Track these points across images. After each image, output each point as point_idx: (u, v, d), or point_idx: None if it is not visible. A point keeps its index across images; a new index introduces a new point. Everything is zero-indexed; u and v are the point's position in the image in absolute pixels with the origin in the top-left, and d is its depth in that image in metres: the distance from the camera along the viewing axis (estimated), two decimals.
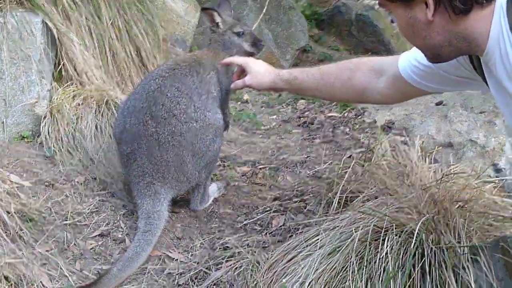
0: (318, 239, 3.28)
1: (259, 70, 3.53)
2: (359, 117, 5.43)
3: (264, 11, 5.87)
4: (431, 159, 4.02)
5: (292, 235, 3.61)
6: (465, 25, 2.38)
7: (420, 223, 3.01)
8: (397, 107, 5.35)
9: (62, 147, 4.03)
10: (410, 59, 2.99)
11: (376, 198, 3.50)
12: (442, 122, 5.00)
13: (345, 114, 5.52)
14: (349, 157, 4.65)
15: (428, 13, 2.37)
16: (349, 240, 3.11)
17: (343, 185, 3.72)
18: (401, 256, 2.99)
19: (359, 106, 5.55)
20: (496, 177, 4.37)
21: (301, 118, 5.57)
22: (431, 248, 2.97)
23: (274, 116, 5.56)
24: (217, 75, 3.83)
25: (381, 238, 3.08)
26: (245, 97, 3.88)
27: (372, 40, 9.83)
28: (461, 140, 4.79)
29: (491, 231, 3.25)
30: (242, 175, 4.41)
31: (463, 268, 2.89)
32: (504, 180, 4.06)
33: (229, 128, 4.10)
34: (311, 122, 5.44)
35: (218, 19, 3.91)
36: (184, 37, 5.60)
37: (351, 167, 3.88)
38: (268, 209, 3.96)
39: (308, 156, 4.74)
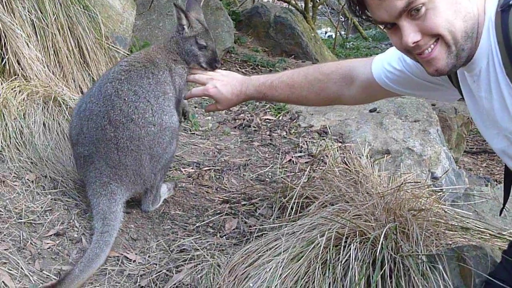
0: (277, 244, 3.35)
1: (227, 96, 3.62)
2: (294, 121, 5.55)
3: None
4: (378, 167, 4.15)
5: (248, 239, 3.67)
6: (479, 12, 2.45)
7: (381, 231, 3.12)
8: (332, 112, 5.49)
9: (10, 143, 3.94)
10: (383, 64, 3.07)
11: (332, 204, 3.58)
12: (378, 129, 5.16)
13: (280, 118, 5.63)
14: (289, 161, 4.76)
15: None
16: (312, 245, 3.18)
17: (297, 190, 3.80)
18: (363, 263, 3.09)
19: (293, 110, 5.66)
20: (434, 185, 4.55)
21: (237, 120, 5.64)
22: (391, 256, 3.08)
23: (209, 117, 5.61)
24: (171, 75, 3.81)
25: (342, 245, 3.18)
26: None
27: (290, 43, 9.99)
28: (398, 148, 4.95)
29: (444, 240, 3.40)
30: (188, 177, 4.44)
31: (422, 275, 3.01)
32: (448, 190, 4.25)
33: (188, 115, 4.11)
34: (248, 124, 5.51)
35: (184, 21, 3.84)
36: (124, 34, 5.56)
37: (306, 173, 3.96)
38: (218, 211, 4.00)
39: (249, 159, 4.82)
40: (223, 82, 3.64)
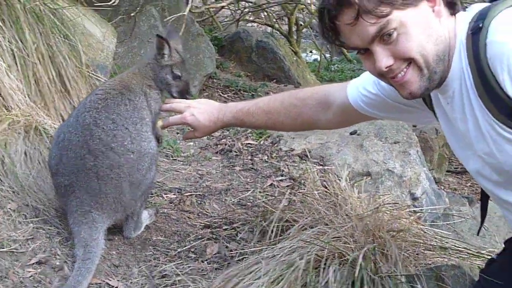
0: (258, 267, 3.37)
1: (204, 124, 3.67)
2: (275, 145, 5.58)
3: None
4: (358, 189, 4.19)
5: (229, 263, 3.69)
6: (450, 34, 2.52)
7: (360, 252, 3.15)
8: (313, 136, 5.53)
9: None
10: (359, 89, 3.12)
11: (311, 227, 3.61)
12: (359, 151, 5.21)
13: (262, 142, 5.67)
14: (271, 185, 4.79)
15: (437, 8, 2.49)
16: (292, 268, 3.20)
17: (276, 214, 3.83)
18: (342, 284, 3.12)
19: (275, 134, 5.70)
20: (414, 206, 4.60)
21: (219, 146, 5.67)
22: (370, 277, 3.11)
23: (191, 143, 5.64)
24: (146, 99, 3.84)
25: (322, 267, 3.20)
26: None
27: (273, 67, 10.05)
28: (379, 170, 4.99)
29: (423, 260, 3.44)
30: (170, 202, 4.46)
31: None
32: (428, 210, 4.28)
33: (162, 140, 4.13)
34: (229, 149, 5.54)
35: (166, 51, 3.86)
36: (105, 62, 5.59)
37: (285, 197, 3.99)
38: (200, 236, 4.02)
39: (231, 184, 4.84)
40: (200, 109, 3.68)
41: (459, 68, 2.50)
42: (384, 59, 2.50)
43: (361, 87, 3.11)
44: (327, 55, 17.94)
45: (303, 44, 17.90)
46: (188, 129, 3.88)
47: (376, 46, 2.50)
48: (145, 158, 3.70)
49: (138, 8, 6.63)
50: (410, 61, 2.49)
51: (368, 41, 2.49)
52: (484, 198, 2.95)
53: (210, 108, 3.70)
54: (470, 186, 9.38)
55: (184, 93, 3.92)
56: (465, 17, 2.53)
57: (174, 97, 3.89)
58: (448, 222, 4.39)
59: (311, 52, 19.38)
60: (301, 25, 14.70)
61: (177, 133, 5.74)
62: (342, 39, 2.61)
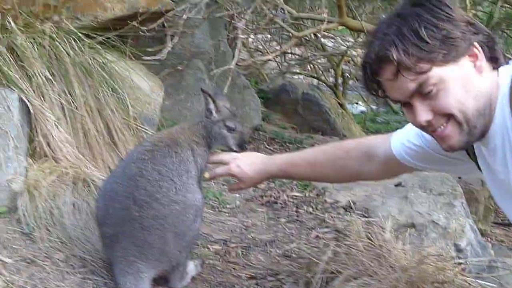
0: None
1: (250, 175, 3.69)
2: (320, 196, 5.58)
3: (225, 91, 5.98)
4: (402, 240, 4.16)
5: None
6: (492, 89, 2.51)
7: None
8: (357, 188, 5.52)
9: (41, 223, 4.01)
10: (403, 141, 3.11)
11: (355, 279, 3.60)
12: (403, 203, 5.18)
13: (307, 194, 5.67)
14: (315, 237, 4.78)
15: (479, 63, 2.49)
16: None
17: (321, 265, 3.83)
18: None
19: (320, 186, 5.70)
20: (458, 257, 4.55)
21: (264, 197, 5.69)
22: None
23: (237, 195, 5.66)
24: (193, 155, 3.88)
25: None
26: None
27: (318, 119, 10.07)
28: (423, 221, 4.96)
29: None
30: (215, 254, 4.47)
31: None
32: (472, 262, 4.24)
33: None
34: (275, 201, 5.56)
35: (211, 106, 3.91)
36: (152, 115, 5.68)
37: (330, 248, 3.99)
38: None
39: (276, 235, 4.84)
40: (246, 161, 3.71)
41: (502, 122, 2.48)
42: (423, 114, 2.52)
43: (405, 139, 3.11)
44: (373, 107, 17.89)
45: (349, 95, 17.90)
46: (234, 181, 3.90)
47: (416, 101, 2.52)
48: (190, 209, 3.72)
49: (185, 62, 6.72)
50: (449, 116, 2.50)
51: (408, 95, 2.52)
52: None
53: (255, 159, 3.74)
54: None
55: (243, 143, 3.96)
56: (507, 70, 2.53)
57: (234, 151, 3.92)
58: (493, 275, 4.33)
59: (357, 103, 19.34)
60: (347, 77, 14.74)
61: (223, 185, 5.76)
62: (385, 92, 2.63)
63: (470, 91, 2.47)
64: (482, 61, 2.50)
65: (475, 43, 2.49)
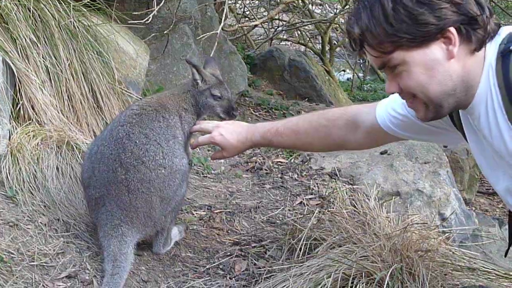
0: (285, 285, 3.38)
1: (233, 143, 3.68)
2: (306, 163, 5.58)
3: (211, 55, 5.92)
4: (387, 208, 4.18)
5: (257, 280, 3.70)
6: (469, 68, 2.48)
7: (388, 272, 3.14)
8: (343, 155, 5.52)
9: (24, 187, 3.99)
10: (388, 110, 3.10)
11: (339, 246, 3.61)
12: (389, 171, 5.19)
13: (292, 160, 5.67)
14: (300, 203, 4.79)
15: (452, 48, 2.45)
16: (319, 286, 3.21)
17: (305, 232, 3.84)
18: None
19: (305, 153, 5.69)
20: (443, 226, 4.57)
21: (249, 163, 5.68)
22: None
23: (222, 161, 5.65)
24: (181, 121, 3.87)
25: (349, 285, 3.20)
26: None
27: (305, 86, 10.04)
28: (408, 189, 4.97)
29: (451, 280, 3.42)
30: (200, 219, 4.48)
31: None
32: (456, 231, 4.26)
33: (192, 164, 4.16)
34: (260, 167, 5.55)
35: (197, 76, 3.92)
36: (137, 79, 5.64)
37: (314, 215, 3.99)
38: (229, 253, 4.04)
39: (260, 201, 4.85)
40: (229, 129, 3.69)
41: (486, 91, 2.48)
42: (391, 86, 2.59)
43: (390, 108, 3.09)
44: (360, 75, 17.88)
45: (337, 63, 17.89)
46: (218, 149, 3.89)
47: (386, 73, 2.58)
48: (177, 174, 3.73)
49: (171, 26, 6.66)
50: (413, 95, 2.54)
51: (377, 67, 2.54)
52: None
53: (238, 128, 3.72)
54: (501, 207, 9.29)
55: (230, 111, 3.97)
56: (494, 40, 2.52)
57: (222, 118, 3.93)
58: (477, 243, 4.37)
59: (344, 71, 19.33)
60: (334, 44, 14.71)
61: (208, 151, 5.76)
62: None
63: (434, 77, 2.47)
64: (456, 46, 2.46)
65: (451, 28, 2.45)
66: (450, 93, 2.49)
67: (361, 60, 16.78)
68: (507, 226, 3.11)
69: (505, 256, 3.16)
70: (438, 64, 2.46)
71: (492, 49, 2.49)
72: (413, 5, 2.39)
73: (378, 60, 2.51)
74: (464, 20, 2.44)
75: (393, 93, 2.58)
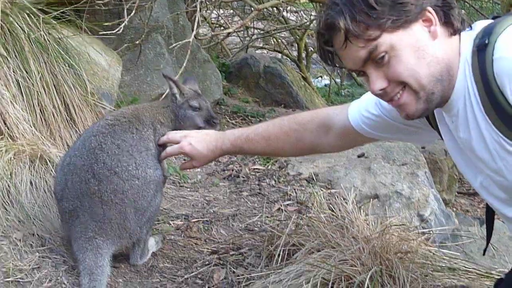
0: None
1: (202, 152, 3.60)
2: (283, 169, 5.56)
3: (183, 66, 5.88)
4: (365, 211, 4.16)
5: None
6: (450, 54, 2.46)
7: (367, 275, 3.12)
8: (320, 159, 5.51)
9: None
10: (360, 111, 3.06)
11: (318, 251, 3.59)
12: (366, 174, 5.18)
13: (269, 167, 5.65)
14: (278, 209, 4.77)
15: (433, 28, 2.43)
16: None
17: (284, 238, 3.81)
18: None
19: (282, 159, 5.68)
20: (422, 227, 4.56)
21: (226, 171, 5.66)
22: None
23: (198, 170, 5.62)
24: (154, 134, 3.83)
25: None
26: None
27: (281, 92, 10.06)
28: (387, 192, 4.97)
29: (431, 281, 3.40)
30: (177, 229, 4.44)
31: None
32: (436, 231, 4.25)
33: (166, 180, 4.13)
34: (237, 175, 5.53)
35: (175, 90, 3.91)
36: (110, 90, 5.61)
37: (292, 221, 3.97)
38: (207, 262, 4.00)
39: (238, 209, 4.83)
40: (198, 138, 3.64)
41: (464, 86, 2.45)
42: (378, 82, 2.49)
43: (363, 108, 3.05)
44: (338, 80, 17.94)
45: (314, 69, 17.94)
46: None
47: (370, 69, 2.48)
48: (151, 184, 3.68)
49: (143, 36, 6.64)
50: (404, 84, 2.47)
51: (360, 64, 2.48)
52: (490, 216, 2.92)
53: (207, 137, 3.66)
54: (482, 207, 9.31)
55: (211, 119, 3.95)
56: (469, 35, 2.50)
57: (202, 128, 3.87)
58: (457, 243, 4.36)
59: (321, 77, 19.38)
60: (311, 50, 14.74)
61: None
62: (341, 61, 2.60)
63: (423, 58, 2.43)
64: (437, 26, 2.46)
65: (429, 8, 2.45)
66: (438, 77, 2.44)
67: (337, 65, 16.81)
68: None
69: (484, 254, 3.15)
70: (425, 45, 2.43)
71: (467, 43, 2.47)
72: None
73: (364, 51, 2.44)
74: (438, 2, 2.45)
75: (380, 90, 2.51)
